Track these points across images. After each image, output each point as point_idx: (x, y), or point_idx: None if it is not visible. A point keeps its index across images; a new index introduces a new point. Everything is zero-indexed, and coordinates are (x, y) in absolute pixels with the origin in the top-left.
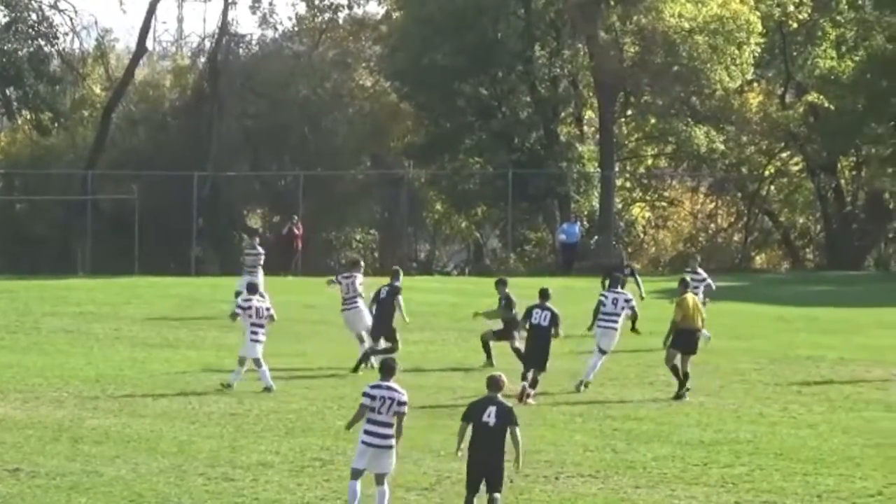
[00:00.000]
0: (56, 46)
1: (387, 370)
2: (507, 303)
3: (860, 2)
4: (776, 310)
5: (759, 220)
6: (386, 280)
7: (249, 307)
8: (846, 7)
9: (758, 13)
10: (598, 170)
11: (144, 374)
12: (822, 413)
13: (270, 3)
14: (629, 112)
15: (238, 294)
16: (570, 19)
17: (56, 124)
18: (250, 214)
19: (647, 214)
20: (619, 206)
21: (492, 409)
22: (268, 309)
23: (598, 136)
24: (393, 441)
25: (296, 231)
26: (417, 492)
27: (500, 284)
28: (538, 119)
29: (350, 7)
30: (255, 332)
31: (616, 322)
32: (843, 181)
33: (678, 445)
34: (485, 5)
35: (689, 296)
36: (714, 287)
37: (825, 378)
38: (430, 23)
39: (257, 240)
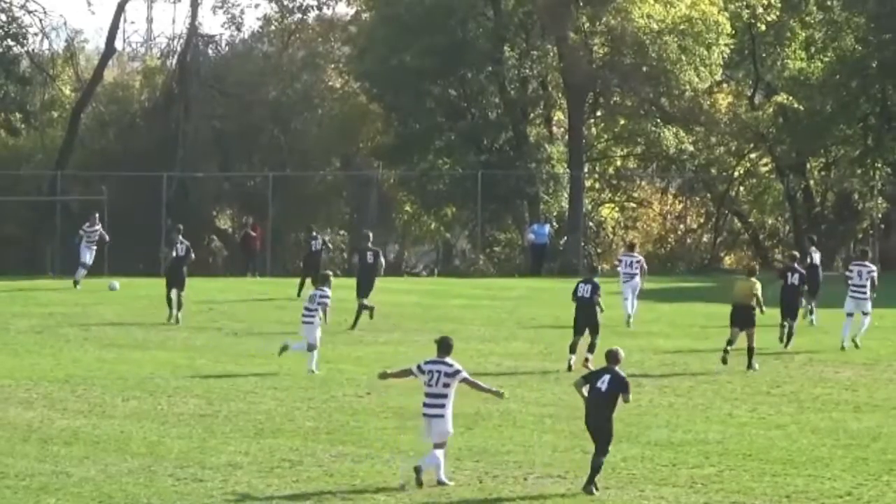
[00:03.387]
0: (26, 47)
1: (443, 347)
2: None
3: (829, 3)
4: None
5: (728, 221)
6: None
7: None
8: (815, 8)
9: (726, 14)
10: (568, 171)
11: (114, 374)
12: (791, 414)
13: (238, 5)
14: (598, 113)
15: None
16: (539, 20)
17: (25, 125)
18: (219, 215)
19: (617, 215)
20: (589, 206)
21: (606, 377)
22: None
23: (567, 137)
24: (443, 410)
25: (252, 234)
26: (387, 493)
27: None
28: (507, 120)
29: (319, 8)
30: None
31: (866, 290)
32: (812, 182)
33: (647, 446)
34: (454, 6)
35: (742, 281)
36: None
37: (794, 379)
38: (398, 24)
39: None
